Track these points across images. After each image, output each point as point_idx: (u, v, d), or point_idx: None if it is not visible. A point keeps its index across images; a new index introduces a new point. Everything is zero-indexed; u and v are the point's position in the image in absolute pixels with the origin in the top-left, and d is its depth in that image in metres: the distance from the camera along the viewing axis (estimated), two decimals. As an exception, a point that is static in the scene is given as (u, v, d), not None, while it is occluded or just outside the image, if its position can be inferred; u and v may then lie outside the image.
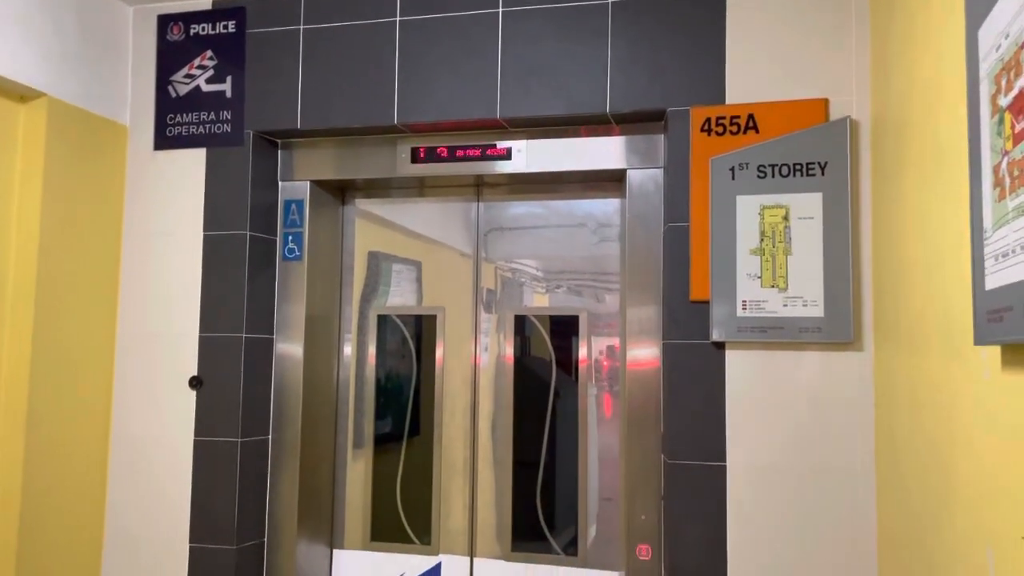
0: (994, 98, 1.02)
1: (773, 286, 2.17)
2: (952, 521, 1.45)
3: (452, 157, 2.59)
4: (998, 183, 0.99)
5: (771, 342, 2.18)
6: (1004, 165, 0.97)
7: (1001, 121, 0.98)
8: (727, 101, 2.26)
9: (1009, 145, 0.95)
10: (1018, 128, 0.91)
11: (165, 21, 2.70)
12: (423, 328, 2.82)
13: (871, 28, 2.16)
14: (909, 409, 1.77)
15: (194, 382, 2.58)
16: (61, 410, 2.48)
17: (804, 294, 2.15)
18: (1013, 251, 0.93)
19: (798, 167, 2.18)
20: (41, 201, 2.39)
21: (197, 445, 2.57)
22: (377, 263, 2.86)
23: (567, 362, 2.67)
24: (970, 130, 1.14)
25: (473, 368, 2.74)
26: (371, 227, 2.87)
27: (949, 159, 1.45)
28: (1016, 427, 1.12)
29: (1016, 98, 0.93)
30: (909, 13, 1.78)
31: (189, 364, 2.60)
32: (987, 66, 1.06)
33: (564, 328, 2.70)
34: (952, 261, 1.42)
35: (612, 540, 2.57)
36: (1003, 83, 0.98)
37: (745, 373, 2.21)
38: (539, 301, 2.74)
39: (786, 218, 2.17)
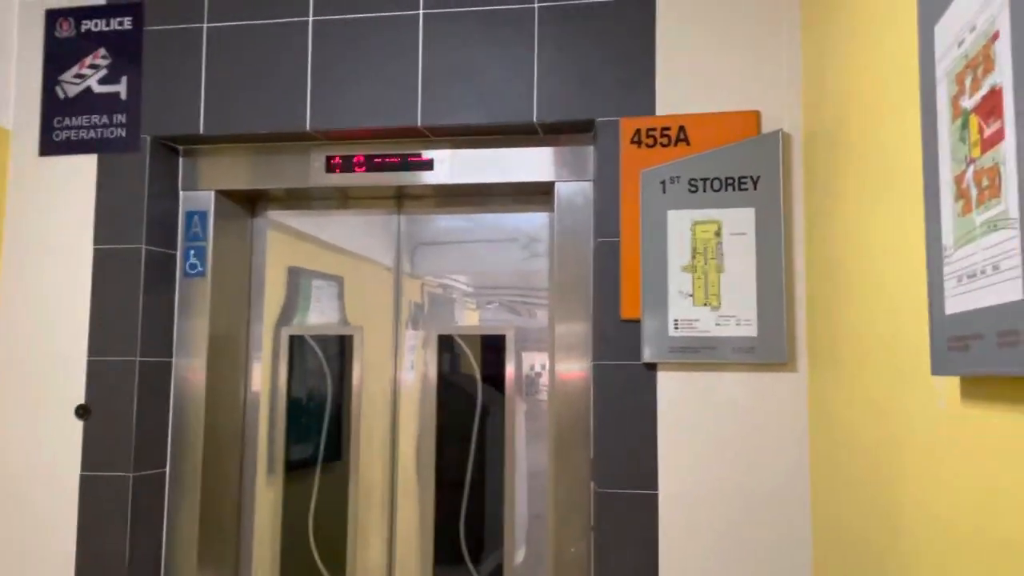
0: (956, 100, 0.93)
1: (705, 304, 2.08)
2: (897, 569, 1.37)
3: (370, 167, 2.43)
4: (961, 195, 0.90)
5: (704, 363, 2.09)
6: (970, 175, 0.88)
7: (965, 125, 0.89)
8: (657, 112, 2.18)
9: (976, 152, 0.86)
10: (987, 132, 0.82)
11: (54, 16, 2.47)
12: (340, 348, 2.63)
13: (803, 37, 2.11)
14: (848, 438, 1.69)
15: (81, 411, 2.34)
16: (-76, 445, 2.21)
17: (737, 313, 2.07)
18: (983, 271, 0.84)
19: (730, 181, 2.10)
20: (-98, 210, 2.13)
21: (84, 481, 2.33)
22: (290, 279, 2.67)
23: (494, 382, 2.54)
24: (924, 137, 1.05)
25: (393, 390, 2.57)
26: (284, 240, 2.68)
27: (895, 170, 1.37)
28: (976, 467, 1.03)
29: (985, 99, 0.84)
30: (845, 19, 1.72)
31: (75, 391, 2.36)
32: (946, 64, 0.97)
33: (491, 347, 2.56)
34: (901, 281, 1.34)
35: (542, 560, 2.43)
36: (967, 83, 0.89)
37: (677, 395, 2.11)
38: (465, 319, 2.60)
39: (718, 234, 2.09)
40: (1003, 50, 0.79)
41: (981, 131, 0.84)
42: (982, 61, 0.84)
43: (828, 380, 1.86)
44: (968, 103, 0.88)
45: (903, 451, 1.35)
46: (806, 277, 2.06)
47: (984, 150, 0.83)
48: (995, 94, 0.81)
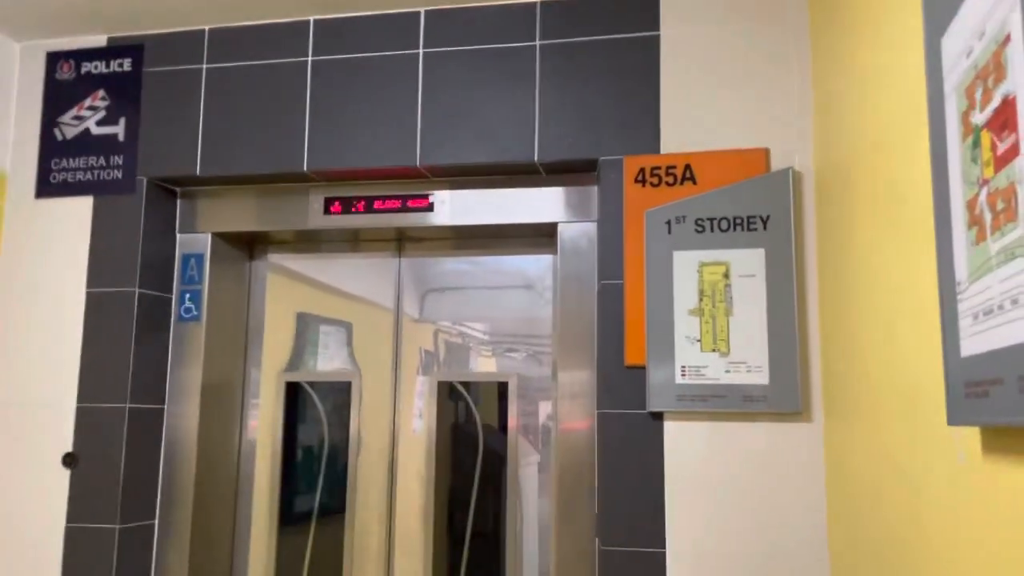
0: (966, 116, 0.84)
1: (714, 350, 1.97)
2: (922, 628, 1.23)
3: (369, 208, 2.37)
4: (975, 221, 0.80)
5: (713, 412, 1.97)
6: (983, 198, 0.78)
7: (977, 143, 0.80)
8: (662, 150, 2.10)
9: (989, 172, 0.76)
10: (1000, 149, 0.72)
11: (55, 58, 2.46)
12: (338, 396, 2.54)
13: (813, 72, 2.03)
14: (866, 493, 1.56)
15: (68, 459, 2.26)
16: (-95, 494, 2.14)
17: (747, 359, 1.95)
18: (1000, 307, 0.73)
19: (738, 221, 2.01)
20: None
21: (69, 532, 2.24)
22: (290, 323, 2.59)
23: (496, 431, 2.43)
24: (934, 161, 0.96)
25: (392, 440, 2.47)
26: (282, 284, 2.61)
27: (906, 203, 1.28)
28: (1000, 527, 0.91)
29: (997, 111, 0.74)
30: (854, 50, 1.64)
31: (63, 438, 2.28)
32: (955, 78, 0.88)
33: (494, 394, 2.46)
34: (913, 322, 1.23)
35: (543, 635, 2.28)
36: (977, 95, 0.79)
37: (685, 446, 1.99)
38: (468, 365, 2.50)
39: (726, 276, 1.99)
40: (1015, 54, 0.70)
41: (994, 148, 0.74)
42: (993, 70, 0.75)
43: (845, 431, 1.74)
44: (979, 118, 0.78)
45: (922, 509, 1.22)
46: (820, 321, 1.95)
47: (998, 168, 0.73)
48: (1008, 105, 0.72)
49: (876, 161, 1.48)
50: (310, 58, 2.32)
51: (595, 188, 2.23)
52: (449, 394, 2.48)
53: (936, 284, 1.00)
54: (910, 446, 1.27)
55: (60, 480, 2.27)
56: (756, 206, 2.00)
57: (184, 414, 2.39)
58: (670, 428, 2.00)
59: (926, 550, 1.21)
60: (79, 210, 2.38)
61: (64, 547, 2.23)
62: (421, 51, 2.27)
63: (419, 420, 2.46)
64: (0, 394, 2.34)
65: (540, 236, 2.41)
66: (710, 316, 1.98)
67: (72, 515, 2.25)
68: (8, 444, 2.31)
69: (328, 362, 2.56)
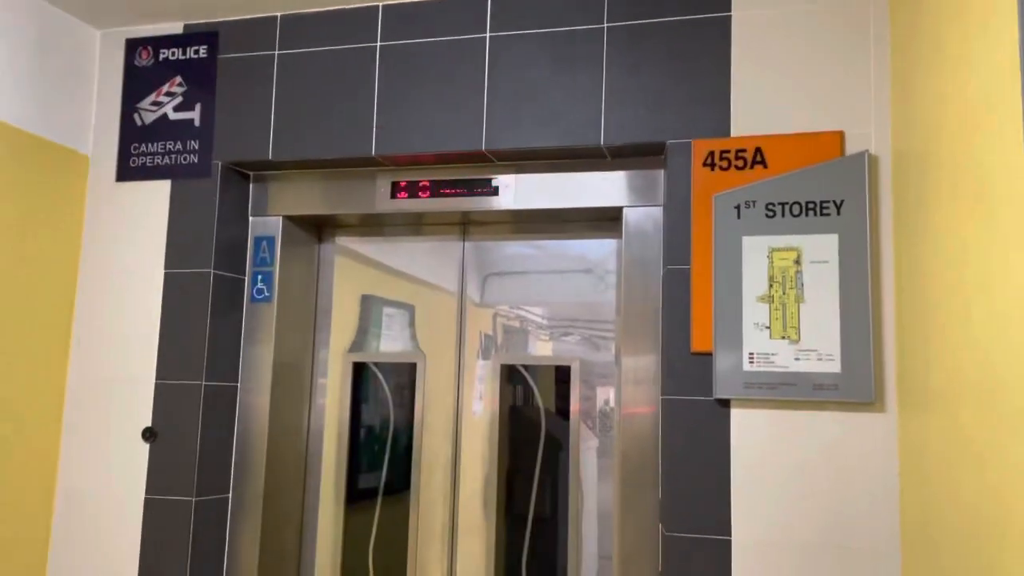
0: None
1: (784, 337, 1.94)
2: (1002, 627, 1.20)
3: (435, 192, 2.39)
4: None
5: (782, 400, 1.94)
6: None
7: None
8: (732, 133, 2.06)
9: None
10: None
11: (134, 45, 2.54)
12: (403, 377, 2.59)
13: (892, 52, 1.96)
14: (944, 487, 1.52)
15: (147, 434, 2.36)
16: (2, 461, 2.25)
17: (818, 347, 1.92)
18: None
19: (811, 206, 1.96)
20: (-15, 234, 2.21)
21: (148, 504, 2.34)
22: (356, 305, 2.64)
23: (559, 415, 2.44)
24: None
25: (455, 421, 2.50)
26: (353, 266, 2.66)
27: (997, 191, 1.23)
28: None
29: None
30: (938, 29, 1.58)
31: (143, 414, 2.38)
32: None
33: (556, 378, 2.47)
34: (1006, 314, 1.19)
35: (605, 618, 2.30)
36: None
37: (753, 434, 1.96)
38: (530, 349, 2.51)
39: (798, 262, 1.95)
40: None
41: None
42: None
43: (921, 422, 1.69)
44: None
45: (1007, 507, 1.19)
46: (895, 309, 1.89)
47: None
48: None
49: (961, 144, 1.43)
50: (379, 44, 2.34)
51: (661, 172, 2.21)
52: (511, 377, 2.50)
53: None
54: (994, 440, 1.23)
55: (140, 454, 2.36)
56: (829, 190, 1.95)
57: (256, 392, 2.46)
58: (737, 415, 1.98)
59: (1011, 546, 1.18)
60: (157, 193, 2.46)
61: (143, 518, 2.33)
62: (488, 35, 2.27)
63: (482, 403, 2.49)
64: (83, 371, 2.45)
65: (604, 220, 2.40)
66: (780, 303, 1.95)
67: (151, 487, 2.34)
68: (91, 419, 2.42)
69: (391, 344, 2.61)
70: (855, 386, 1.88)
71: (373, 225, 2.63)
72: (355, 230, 2.66)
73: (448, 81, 2.28)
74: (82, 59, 2.52)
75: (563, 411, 2.43)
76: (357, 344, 2.62)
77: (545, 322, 2.51)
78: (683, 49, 2.12)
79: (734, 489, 1.96)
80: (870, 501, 1.87)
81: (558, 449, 2.44)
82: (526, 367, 2.49)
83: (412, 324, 2.61)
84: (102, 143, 2.53)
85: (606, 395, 2.40)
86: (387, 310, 2.64)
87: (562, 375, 2.45)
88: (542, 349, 2.51)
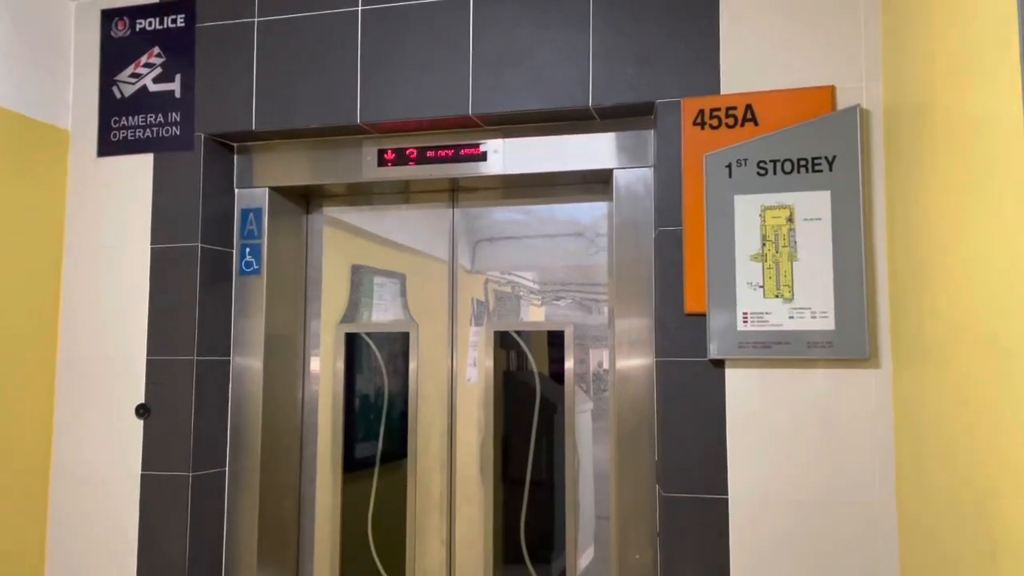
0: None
1: (777, 296, 1.93)
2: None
3: (422, 159, 2.36)
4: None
5: (776, 359, 1.94)
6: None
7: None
8: (722, 91, 2.03)
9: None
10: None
11: (109, 16, 2.48)
12: (396, 345, 2.58)
13: (883, 5, 1.93)
14: (939, 442, 1.53)
15: (141, 410, 2.34)
16: (-8, 443, 2.25)
17: (812, 305, 1.91)
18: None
19: (803, 163, 1.95)
20: (-35, 213, 2.17)
21: (144, 480, 2.33)
22: (347, 275, 2.62)
23: (554, 379, 2.44)
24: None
25: (450, 389, 2.50)
26: (339, 236, 2.63)
27: (995, 143, 1.21)
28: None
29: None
30: (928, -20, 1.55)
31: (135, 390, 2.36)
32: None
33: (550, 343, 2.46)
34: (1008, 268, 1.18)
35: (606, 564, 2.32)
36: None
37: (748, 394, 1.96)
38: (523, 314, 2.50)
39: (790, 219, 1.94)
40: None
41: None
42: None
43: (915, 377, 1.69)
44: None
45: (1006, 460, 1.19)
46: (888, 265, 1.89)
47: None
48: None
49: (954, 95, 1.41)
50: (360, 7, 2.29)
51: (651, 132, 2.18)
52: (505, 343, 2.49)
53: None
54: (995, 394, 1.23)
55: (134, 430, 2.35)
56: (821, 147, 1.93)
57: (249, 365, 2.45)
58: (732, 375, 1.98)
59: (1008, 494, 1.18)
60: (140, 167, 2.42)
61: (141, 493, 2.33)
62: (471, -4, 2.22)
63: (476, 369, 2.48)
64: (74, 349, 2.43)
65: (595, 183, 2.37)
66: (773, 261, 1.94)
67: (147, 463, 2.34)
68: (84, 397, 2.41)
69: (383, 313, 2.59)
70: (849, 343, 1.87)
71: (361, 194, 2.60)
72: (343, 199, 2.62)
73: (432, 45, 2.23)
74: (57, 32, 2.46)
75: (557, 375, 2.43)
76: (349, 315, 2.60)
77: (537, 287, 2.50)
78: (671, 6, 2.08)
79: (730, 449, 1.96)
80: (865, 457, 1.88)
81: (553, 413, 2.44)
82: (519, 333, 2.48)
83: (403, 293, 2.59)
84: (82, 117, 2.48)
85: (600, 358, 2.40)
86: (378, 279, 2.62)
87: (555, 339, 2.45)
88: (535, 314, 2.50)
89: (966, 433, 1.36)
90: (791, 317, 1.92)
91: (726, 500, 1.96)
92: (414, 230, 2.59)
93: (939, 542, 1.53)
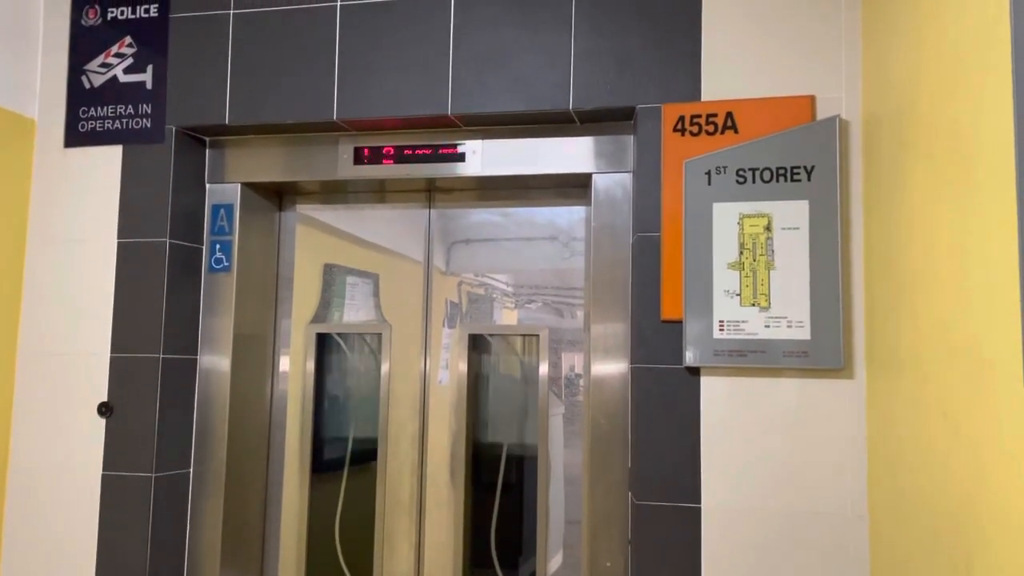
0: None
1: (754, 304, 1.93)
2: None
3: (399, 158, 2.33)
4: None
5: (751, 367, 1.94)
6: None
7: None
8: (703, 98, 2.03)
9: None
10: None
11: (80, 4, 2.42)
12: (368, 346, 2.54)
13: (863, 15, 1.94)
14: (914, 453, 1.53)
15: (103, 409, 2.28)
16: (-54, 441, 2.17)
17: (788, 314, 1.91)
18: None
19: (782, 171, 1.94)
20: (-76, 201, 2.09)
21: (105, 480, 2.27)
22: (320, 275, 2.58)
23: (527, 383, 2.41)
24: (1018, 113, 0.90)
25: (422, 391, 2.46)
26: (315, 235, 2.59)
27: (975, 155, 1.22)
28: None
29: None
30: (911, -7, 1.56)
31: (98, 388, 2.30)
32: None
33: (523, 347, 2.44)
34: (985, 280, 1.18)
35: (577, 570, 2.30)
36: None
37: (722, 402, 1.96)
38: (499, 317, 2.48)
39: (768, 228, 1.94)
40: None
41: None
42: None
43: (890, 389, 1.70)
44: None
45: (985, 471, 1.19)
46: (864, 276, 1.89)
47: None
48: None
49: (936, 104, 1.41)
50: (339, 2, 2.25)
51: (631, 137, 2.17)
52: (479, 346, 2.47)
53: (1016, 240, 0.95)
54: (973, 406, 1.23)
55: (96, 429, 2.29)
56: (800, 156, 1.93)
57: (216, 364, 2.40)
58: (707, 383, 1.97)
59: (989, 513, 1.18)
60: (108, 159, 2.35)
61: (101, 494, 2.27)
62: (453, -5, 2.19)
63: (449, 372, 2.45)
64: (36, 344, 2.36)
65: (573, 187, 2.36)
66: (750, 269, 1.93)
67: (108, 463, 2.27)
68: (44, 393, 2.33)
69: (355, 313, 2.55)
70: (824, 353, 1.87)
71: (336, 192, 2.56)
72: (317, 197, 2.58)
73: (412, 43, 2.20)
74: (25, 17, 2.39)
75: (531, 379, 2.41)
76: (320, 315, 2.56)
77: (513, 290, 2.47)
78: (653, 12, 2.07)
79: (704, 457, 1.95)
80: (838, 467, 1.88)
81: (525, 417, 2.42)
82: (495, 336, 2.46)
83: (376, 294, 2.55)
84: (49, 107, 2.41)
85: (572, 363, 2.38)
86: (350, 279, 2.58)
87: (529, 343, 2.43)
88: (509, 317, 2.47)
89: (943, 444, 1.36)
90: (767, 326, 1.92)
91: (699, 509, 1.94)
92: (389, 230, 2.56)
93: (913, 554, 1.53)
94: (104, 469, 2.27)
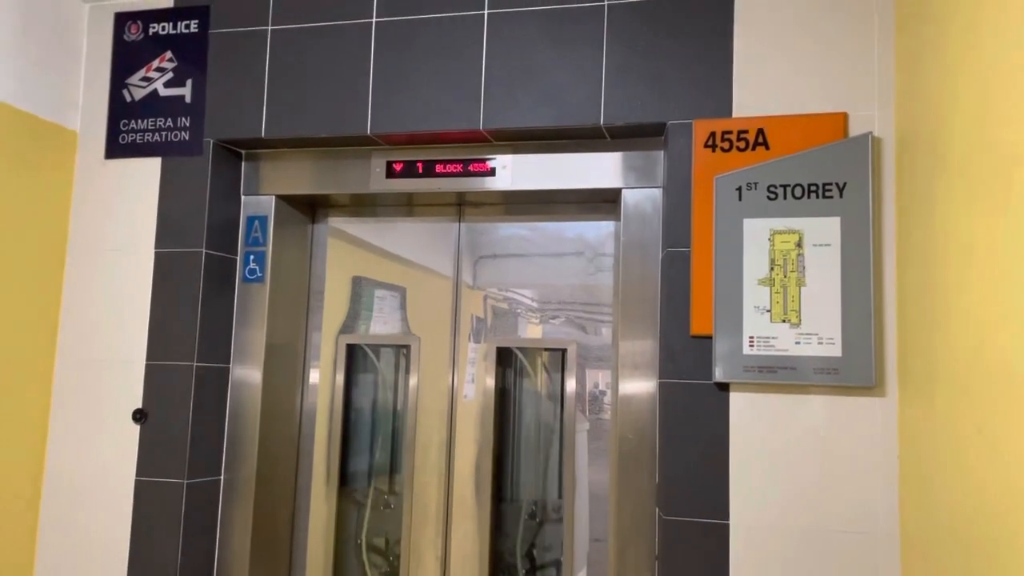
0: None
1: (784, 321, 1.92)
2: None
3: (431, 172, 2.36)
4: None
5: (781, 384, 1.93)
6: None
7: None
8: (734, 114, 2.04)
9: None
10: None
11: (123, 19, 2.48)
12: (397, 359, 2.56)
13: (897, 30, 1.94)
14: (948, 475, 1.51)
15: (138, 415, 2.32)
16: (-14, 444, 2.22)
17: (819, 331, 1.90)
18: None
19: (813, 188, 1.94)
20: (-30, 210, 2.15)
21: (139, 486, 2.30)
22: (352, 287, 2.61)
23: (554, 398, 2.42)
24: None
25: (450, 403, 2.48)
26: (345, 247, 2.62)
27: (1010, 172, 1.21)
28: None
29: None
30: (949, 9, 1.56)
31: (133, 395, 2.34)
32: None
33: (552, 361, 2.45)
34: (1019, 295, 1.18)
35: (600, 601, 2.29)
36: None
37: (752, 418, 1.95)
38: (526, 332, 2.49)
39: (799, 244, 1.93)
40: None
41: None
42: None
43: (924, 408, 1.68)
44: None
45: (1022, 488, 1.17)
46: (897, 293, 1.88)
47: None
48: None
49: (972, 122, 1.41)
50: (375, 19, 2.29)
51: (661, 153, 2.18)
52: (507, 360, 2.48)
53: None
54: (1008, 422, 1.22)
55: (130, 435, 2.33)
56: (832, 173, 1.93)
57: (248, 374, 2.43)
58: (736, 399, 1.96)
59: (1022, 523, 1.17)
60: (148, 171, 2.41)
61: (134, 500, 2.30)
62: (486, 12, 2.23)
63: (476, 386, 2.46)
64: (72, 352, 2.41)
65: (602, 202, 2.37)
66: (781, 286, 1.93)
67: (141, 469, 2.31)
68: (81, 399, 2.38)
69: (382, 326, 2.58)
70: (856, 370, 1.86)
71: (367, 205, 2.59)
72: (349, 210, 2.62)
73: (446, 59, 2.24)
74: (70, 33, 2.46)
75: (558, 394, 2.41)
76: (348, 326, 2.59)
77: (538, 305, 2.49)
78: (685, 28, 2.09)
79: (732, 473, 1.95)
80: (869, 486, 1.87)
81: (551, 433, 2.42)
82: (522, 350, 2.47)
83: (403, 307, 2.58)
84: (91, 119, 2.47)
85: (597, 379, 2.38)
86: (381, 292, 2.60)
87: (558, 358, 2.43)
88: (534, 333, 2.48)
89: (978, 462, 1.35)
90: (797, 342, 1.91)
91: (727, 525, 1.93)
92: (418, 244, 2.59)
93: (946, 572, 1.52)
94: (138, 475, 2.31)
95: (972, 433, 1.38)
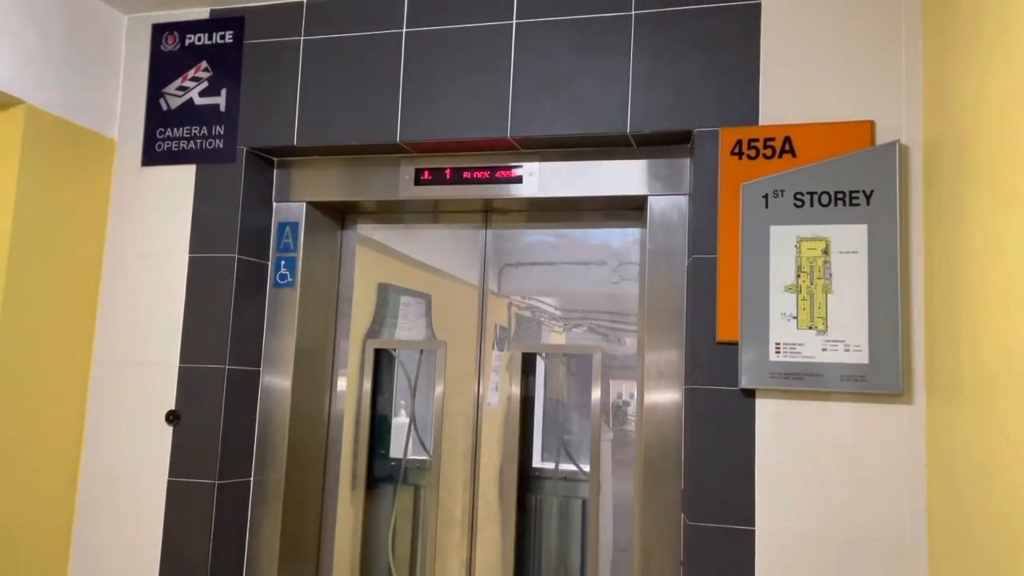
0: None
1: (811, 327, 1.93)
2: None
3: (458, 179, 2.39)
4: None
5: (808, 391, 1.93)
6: None
7: None
8: (761, 122, 2.05)
9: None
10: None
11: (160, 30, 2.55)
12: (424, 364, 2.59)
13: (924, 39, 1.94)
14: (977, 483, 1.51)
15: (171, 417, 2.37)
16: (27, 442, 2.27)
17: (846, 338, 1.90)
18: None
19: (840, 196, 1.95)
20: (13, 217, 2.22)
21: (171, 486, 2.35)
22: (378, 293, 2.65)
23: (579, 404, 2.44)
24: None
25: (476, 409, 2.50)
26: (373, 254, 2.66)
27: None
28: None
29: None
30: (976, 17, 1.56)
31: (167, 397, 2.39)
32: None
33: (577, 368, 2.46)
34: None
35: (624, 607, 2.30)
36: None
37: (778, 425, 1.95)
38: (551, 338, 2.51)
39: (826, 252, 1.94)
40: None
41: None
42: None
43: (952, 415, 1.68)
44: None
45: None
46: (924, 300, 1.88)
47: None
48: None
49: (999, 131, 1.41)
50: (404, 29, 2.33)
51: (687, 160, 2.20)
52: (533, 367, 2.50)
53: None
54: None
55: (163, 436, 2.38)
56: (859, 181, 1.94)
57: (278, 377, 2.47)
58: (762, 406, 1.97)
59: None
60: (183, 178, 2.46)
61: (167, 499, 2.35)
62: (514, 22, 2.26)
63: (502, 392, 2.49)
64: (108, 354, 2.46)
65: (628, 209, 2.39)
66: (807, 293, 1.94)
67: (174, 470, 2.36)
68: (116, 401, 2.44)
69: (407, 333, 2.61)
70: (883, 378, 1.86)
71: (396, 212, 2.63)
72: (378, 217, 2.66)
73: (474, 68, 2.27)
74: (109, 44, 2.53)
75: (582, 402, 2.43)
76: (371, 331, 2.62)
77: (561, 313, 2.50)
78: (711, 36, 2.10)
79: (758, 480, 1.95)
80: (896, 493, 1.86)
81: (579, 437, 2.43)
82: (548, 357, 2.49)
83: (428, 313, 2.61)
84: (128, 127, 2.54)
85: (621, 387, 2.39)
86: (408, 299, 2.64)
87: (582, 364, 2.45)
88: (566, 338, 2.50)
89: (1007, 472, 1.35)
90: (824, 349, 1.91)
91: (752, 532, 1.94)
92: (444, 251, 2.62)
93: (973, 582, 1.51)
94: (170, 475, 2.35)
95: (1000, 441, 1.38)
